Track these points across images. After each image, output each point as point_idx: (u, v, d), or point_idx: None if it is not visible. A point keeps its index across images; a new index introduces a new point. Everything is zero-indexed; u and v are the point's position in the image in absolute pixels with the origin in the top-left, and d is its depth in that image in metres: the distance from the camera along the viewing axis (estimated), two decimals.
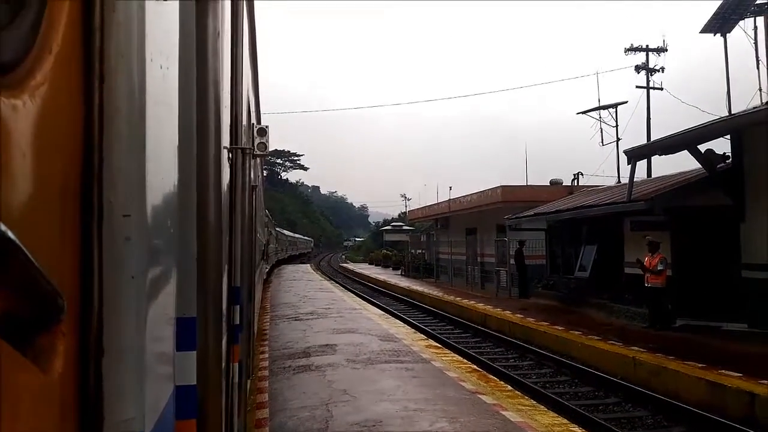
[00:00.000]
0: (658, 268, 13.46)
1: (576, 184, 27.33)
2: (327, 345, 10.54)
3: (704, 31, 24.19)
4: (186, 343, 1.56)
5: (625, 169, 16.70)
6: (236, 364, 3.29)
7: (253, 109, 5.93)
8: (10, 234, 0.52)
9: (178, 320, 1.23)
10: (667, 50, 31.38)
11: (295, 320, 14.32)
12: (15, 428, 0.59)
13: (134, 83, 0.82)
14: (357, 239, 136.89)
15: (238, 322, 3.40)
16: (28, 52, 0.60)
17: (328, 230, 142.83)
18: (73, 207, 0.73)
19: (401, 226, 64.46)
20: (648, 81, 31.08)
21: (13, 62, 0.58)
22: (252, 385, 7.52)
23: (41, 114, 0.63)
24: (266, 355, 9.95)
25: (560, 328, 14.06)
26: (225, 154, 2.22)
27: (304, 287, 25.44)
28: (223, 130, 2.00)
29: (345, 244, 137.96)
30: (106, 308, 0.76)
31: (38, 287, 0.59)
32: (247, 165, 3.81)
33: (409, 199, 74.83)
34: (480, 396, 7.25)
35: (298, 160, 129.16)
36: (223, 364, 2.30)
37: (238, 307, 3.38)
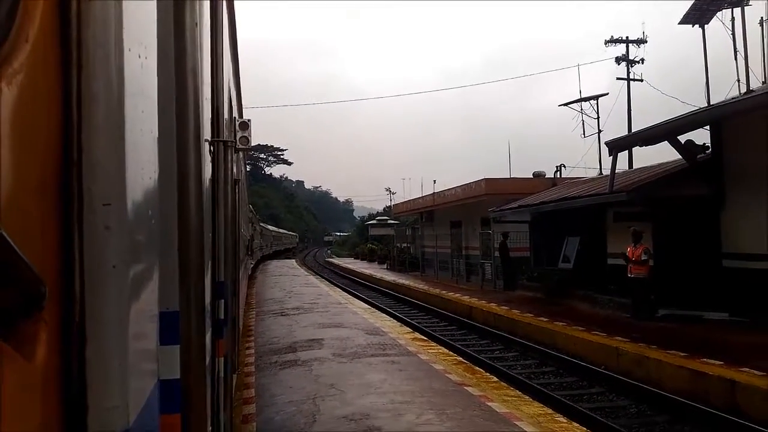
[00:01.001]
0: (642, 258, 13.59)
1: (559, 176, 27.50)
2: (313, 340, 10.54)
3: (683, 22, 24.44)
4: (169, 337, 1.56)
5: (607, 160, 16.86)
6: (221, 359, 3.29)
7: (234, 102, 5.90)
8: None
9: (160, 314, 1.23)
10: (646, 42, 31.72)
11: (281, 315, 14.29)
12: None
13: (112, 73, 0.81)
14: (338, 234, 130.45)
15: (222, 316, 3.40)
16: (4, 40, 0.60)
17: (313, 225, 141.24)
18: (53, 195, 0.73)
19: (386, 220, 64.36)
20: (628, 73, 31.37)
21: None
22: (238, 380, 7.51)
23: (19, 102, 0.63)
24: (252, 351, 9.93)
25: (545, 319, 14.18)
26: (206, 146, 2.21)
27: (289, 282, 25.39)
28: (204, 123, 2.00)
29: (326, 239, 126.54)
30: (88, 297, 0.76)
31: (20, 274, 0.59)
32: (230, 158, 3.80)
33: (393, 193, 75.04)
34: (466, 388, 7.30)
35: (282, 154, 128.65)
36: (208, 359, 2.30)
37: (222, 301, 3.38)
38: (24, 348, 0.64)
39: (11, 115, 0.62)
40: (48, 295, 0.67)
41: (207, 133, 2.34)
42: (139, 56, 0.96)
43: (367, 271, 37.43)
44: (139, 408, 0.93)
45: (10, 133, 0.62)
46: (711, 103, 19.33)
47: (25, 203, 0.66)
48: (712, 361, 9.02)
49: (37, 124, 0.69)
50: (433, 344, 10.96)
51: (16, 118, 0.63)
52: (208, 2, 2.66)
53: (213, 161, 3.10)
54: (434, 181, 35.05)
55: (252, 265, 25.70)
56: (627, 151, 22.86)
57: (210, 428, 2.33)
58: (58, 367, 0.73)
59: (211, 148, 2.99)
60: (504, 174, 34.01)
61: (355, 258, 62.60)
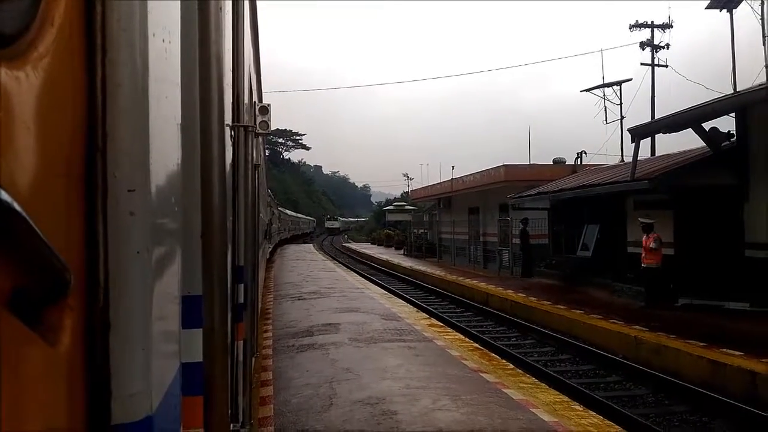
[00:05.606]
0: (651, 246, 13.47)
1: (579, 162, 27.20)
2: (330, 324, 10.60)
3: (710, 6, 23.89)
4: (192, 321, 1.57)
5: (629, 147, 16.63)
6: (241, 342, 3.31)
7: (254, 87, 5.89)
8: (17, 206, 0.52)
9: (183, 298, 1.23)
10: (672, 26, 31.05)
11: (299, 299, 14.39)
12: (23, 402, 0.60)
13: (137, 57, 0.80)
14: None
15: (242, 300, 3.42)
16: (29, 24, 0.60)
17: (330, 210, 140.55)
18: (78, 181, 0.73)
19: (404, 205, 64.31)
20: (653, 58, 30.79)
21: (14, 34, 0.57)
22: (256, 363, 7.58)
23: (44, 87, 0.62)
24: (270, 334, 10.02)
25: (562, 307, 14.11)
26: (227, 131, 2.21)
27: (306, 267, 25.53)
28: (226, 108, 1.99)
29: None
30: (111, 283, 0.76)
31: (46, 261, 0.59)
32: (250, 143, 3.80)
33: (411, 179, 74.59)
34: (482, 374, 7.30)
35: (300, 139, 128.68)
36: (228, 343, 2.31)
37: (242, 285, 3.40)
38: (49, 334, 0.64)
39: (37, 99, 0.61)
40: (73, 281, 0.67)
41: (228, 117, 2.34)
42: (163, 41, 0.95)
43: (384, 257, 37.48)
44: (162, 393, 0.93)
45: (35, 119, 0.61)
46: (737, 89, 18.92)
47: (51, 190, 0.65)
48: (732, 352, 8.92)
49: (62, 109, 0.69)
50: (450, 330, 10.98)
51: (42, 102, 0.62)
52: None
53: (233, 146, 3.10)
54: (452, 167, 34.58)
55: (270, 249, 25.87)
56: (650, 138, 22.52)
57: (230, 410, 2.36)
58: (82, 353, 0.73)
59: (232, 133, 2.99)
60: (524, 160, 33.73)
61: (372, 243, 62.71)
